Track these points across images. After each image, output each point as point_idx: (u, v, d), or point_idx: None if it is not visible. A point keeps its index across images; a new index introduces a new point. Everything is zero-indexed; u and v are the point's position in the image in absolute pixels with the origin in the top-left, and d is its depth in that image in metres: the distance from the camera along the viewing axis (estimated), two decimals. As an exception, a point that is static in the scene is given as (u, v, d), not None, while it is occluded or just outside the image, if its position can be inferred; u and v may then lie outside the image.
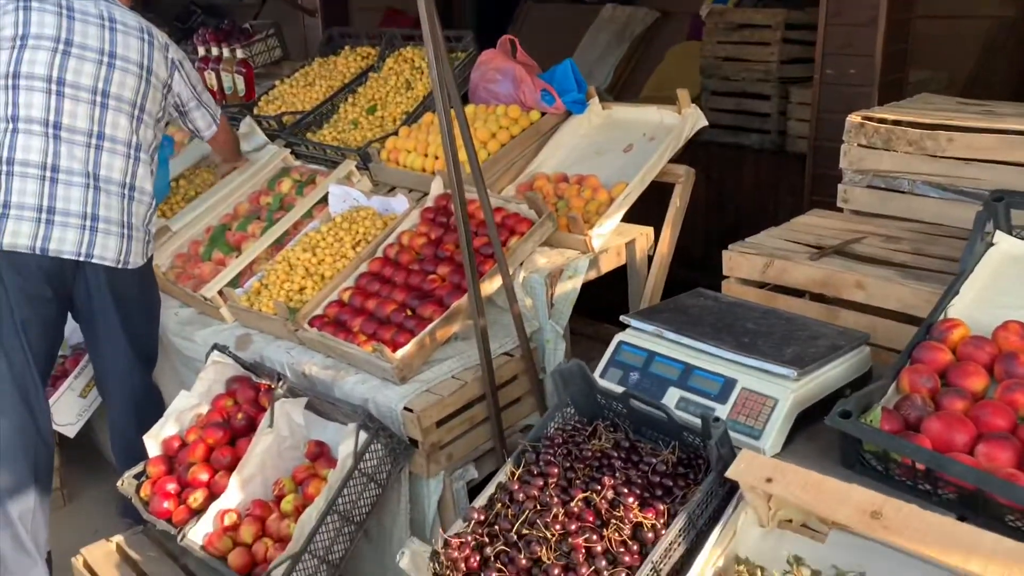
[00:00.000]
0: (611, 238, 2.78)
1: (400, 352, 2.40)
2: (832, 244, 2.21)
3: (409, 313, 2.59)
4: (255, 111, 3.83)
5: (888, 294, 2.00)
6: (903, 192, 2.40)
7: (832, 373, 1.75)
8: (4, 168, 2.46)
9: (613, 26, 6.30)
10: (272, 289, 2.82)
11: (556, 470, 1.55)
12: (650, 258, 2.91)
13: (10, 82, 2.48)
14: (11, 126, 2.47)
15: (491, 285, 2.55)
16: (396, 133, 3.32)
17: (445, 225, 2.83)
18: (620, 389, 1.71)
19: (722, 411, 1.69)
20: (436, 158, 3.14)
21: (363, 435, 2.22)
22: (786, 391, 1.67)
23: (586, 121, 3.22)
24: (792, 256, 2.16)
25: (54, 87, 2.49)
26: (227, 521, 2.27)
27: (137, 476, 2.52)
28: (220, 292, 2.90)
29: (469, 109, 3.32)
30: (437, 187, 2.95)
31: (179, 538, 2.26)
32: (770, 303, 2.14)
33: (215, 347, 2.65)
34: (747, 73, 4.45)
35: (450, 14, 7.87)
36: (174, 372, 3.11)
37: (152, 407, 2.81)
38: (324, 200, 3.16)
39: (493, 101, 3.32)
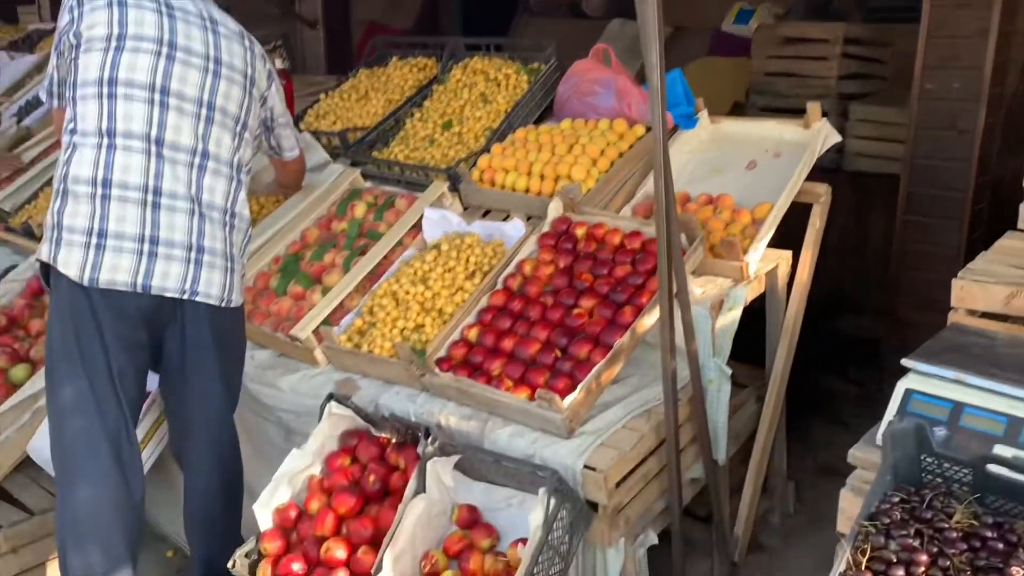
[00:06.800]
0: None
1: (568, 400, 2.08)
2: (1064, 269, 2.00)
3: (559, 354, 2.27)
4: (302, 127, 3.45)
5: None
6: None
7: None
8: (99, 191, 2.03)
9: (622, 42, 6.05)
10: (382, 327, 2.45)
11: (923, 557, 1.27)
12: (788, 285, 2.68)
13: (104, 90, 2.05)
14: (107, 141, 2.04)
15: (650, 319, 2.26)
16: (487, 151, 2.99)
17: (572, 252, 2.52)
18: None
19: (1065, 471, 1.43)
20: (542, 178, 2.83)
21: (551, 501, 1.89)
22: None
23: (695, 137, 2.96)
24: (1036, 284, 1.93)
25: (157, 96, 2.08)
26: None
27: (248, 554, 2.13)
28: (315, 331, 2.52)
29: (566, 124, 3.03)
30: (555, 210, 2.64)
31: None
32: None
33: (331, 397, 2.27)
34: (802, 89, 4.28)
35: (436, 28, 7.55)
36: (242, 424, 2.70)
37: (236, 467, 2.42)
38: (415, 226, 2.81)
39: (591, 114, 3.03)
